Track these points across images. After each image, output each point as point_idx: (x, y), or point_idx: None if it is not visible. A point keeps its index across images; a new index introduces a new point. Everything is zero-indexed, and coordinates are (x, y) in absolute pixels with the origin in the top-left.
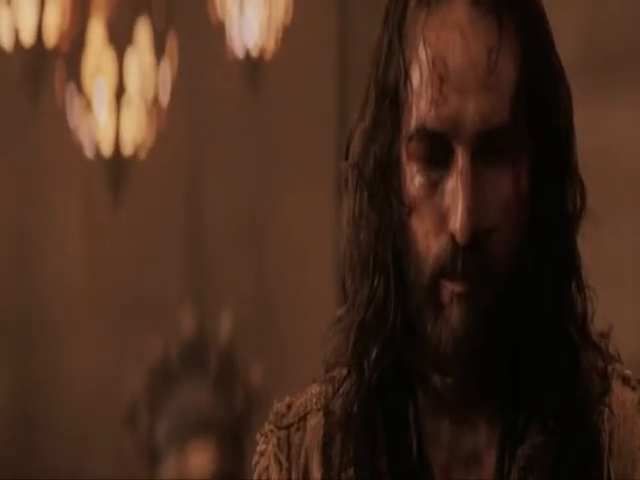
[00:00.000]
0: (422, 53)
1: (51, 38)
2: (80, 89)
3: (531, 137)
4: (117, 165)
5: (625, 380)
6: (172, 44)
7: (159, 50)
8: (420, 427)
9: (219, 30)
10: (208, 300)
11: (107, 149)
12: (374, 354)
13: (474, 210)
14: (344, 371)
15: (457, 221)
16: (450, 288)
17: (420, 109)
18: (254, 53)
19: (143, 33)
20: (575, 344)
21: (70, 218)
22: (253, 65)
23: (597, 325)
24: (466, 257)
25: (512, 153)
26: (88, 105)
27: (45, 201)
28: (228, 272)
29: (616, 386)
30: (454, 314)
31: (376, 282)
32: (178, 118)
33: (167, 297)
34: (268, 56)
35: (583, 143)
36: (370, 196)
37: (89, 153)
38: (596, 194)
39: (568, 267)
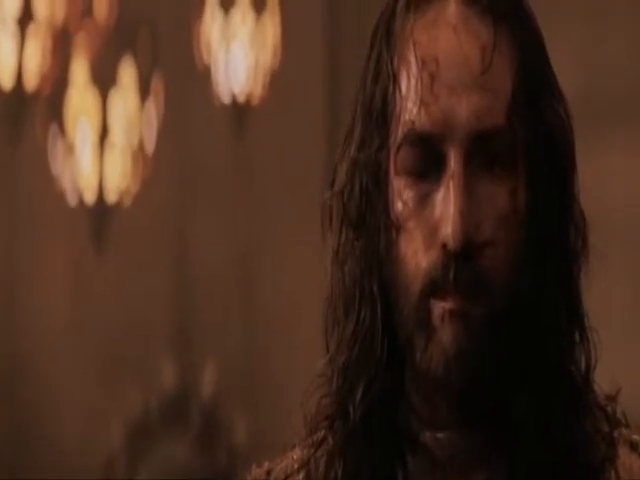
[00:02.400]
0: (411, 54)
1: (31, 81)
2: (62, 131)
3: (529, 153)
4: (101, 213)
5: (633, 446)
6: (157, 84)
7: (144, 91)
8: None
9: (205, 74)
10: (193, 352)
11: (90, 196)
12: (360, 392)
13: (467, 215)
14: (326, 432)
15: (449, 226)
16: (441, 306)
17: (409, 112)
18: (241, 98)
19: (127, 73)
20: (578, 388)
21: (54, 267)
22: (240, 110)
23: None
24: (458, 268)
25: (509, 164)
26: (71, 149)
27: (28, 250)
28: (215, 321)
29: (623, 452)
30: (446, 335)
31: (362, 316)
32: (164, 164)
33: (151, 348)
34: (255, 101)
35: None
36: (356, 223)
37: (72, 201)
38: (590, 239)
39: (568, 302)
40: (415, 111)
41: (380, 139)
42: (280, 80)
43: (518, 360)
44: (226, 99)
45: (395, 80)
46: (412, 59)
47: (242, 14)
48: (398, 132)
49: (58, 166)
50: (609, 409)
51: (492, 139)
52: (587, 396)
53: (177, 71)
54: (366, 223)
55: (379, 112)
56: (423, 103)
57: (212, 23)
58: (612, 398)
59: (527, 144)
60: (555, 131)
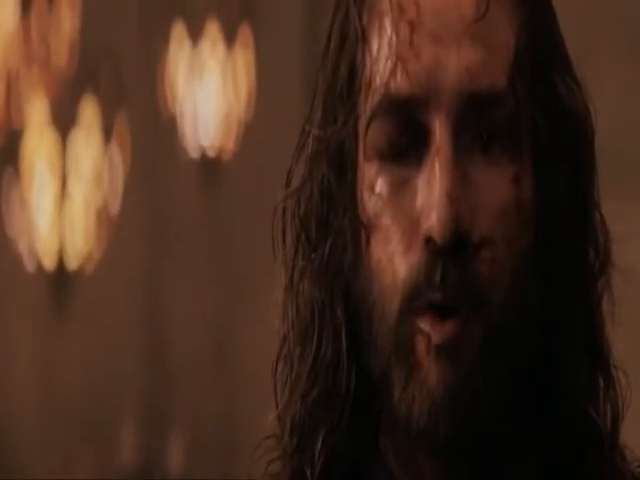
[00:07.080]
0: (384, 2)
1: None
2: (18, 184)
3: (536, 131)
4: (62, 280)
5: None
6: (121, 128)
7: (107, 137)
8: None
9: (171, 125)
10: (160, 421)
11: (49, 262)
12: (318, 448)
13: (458, 199)
14: None
15: (433, 213)
16: (427, 335)
17: (382, 74)
18: (211, 153)
19: (89, 115)
20: (604, 446)
21: (14, 336)
22: (210, 166)
23: None
24: (447, 267)
25: (510, 143)
26: (27, 205)
27: None
28: (186, 390)
29: None
30: (432, 373)
31: (323, 349)
32: (128, 225)
33: (115, 419)
34: (227, 156)
35: None
36: (315, 229)
37: (30, 266)
38: None
39: (587, 332)
40: (390, 71)
41: (345, 117)
42: (254, 132)
43: (524, 406)
44: (195, 154)
45: (364, 38)
46: (386, 7)
47: (211, 55)
48: (367, 104)
49: (14, 227)
50: None
51: (488, 105)
52: (615, 458)
53: (142, 123)
54: (328, 227)
55: (345, 85)
56: (400, 59)
57: (178, 65)
58: None
59: (533, 119)
60: (569, 109)
